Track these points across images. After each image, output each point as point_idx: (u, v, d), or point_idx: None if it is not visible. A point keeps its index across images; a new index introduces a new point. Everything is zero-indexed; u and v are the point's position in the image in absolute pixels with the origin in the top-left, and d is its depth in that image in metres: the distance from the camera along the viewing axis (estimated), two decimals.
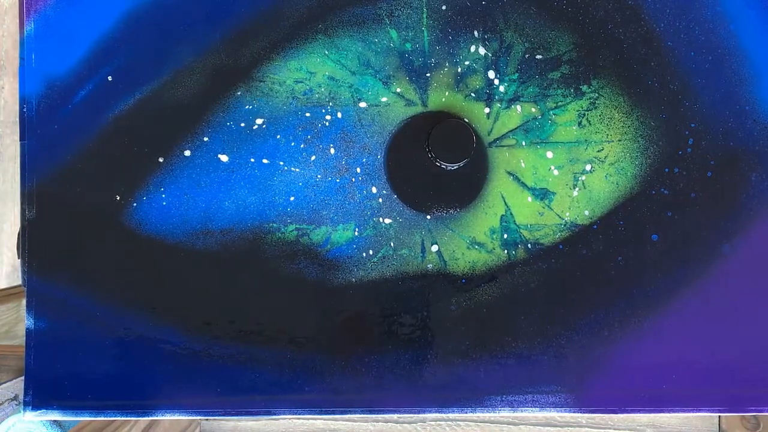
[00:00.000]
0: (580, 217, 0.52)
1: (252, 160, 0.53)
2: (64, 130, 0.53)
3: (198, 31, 0.52)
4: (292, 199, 0.53)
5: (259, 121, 0.53)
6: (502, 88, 0.52)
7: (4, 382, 0.70)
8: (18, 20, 0.52)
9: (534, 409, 0.52)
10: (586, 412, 0.52)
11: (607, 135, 0.52)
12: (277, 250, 0.53)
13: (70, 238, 0.53)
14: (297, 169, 0.53)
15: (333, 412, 0.52)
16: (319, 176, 0.53)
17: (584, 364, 0.52)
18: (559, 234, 0.52)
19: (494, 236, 0.53)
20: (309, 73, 0.53)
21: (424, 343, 0.53)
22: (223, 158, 0.53)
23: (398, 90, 0.53)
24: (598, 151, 0.52)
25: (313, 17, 0.52)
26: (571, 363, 0.52)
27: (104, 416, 0.53)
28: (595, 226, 0.52)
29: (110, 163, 0.53)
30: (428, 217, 0.53)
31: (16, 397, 0.70)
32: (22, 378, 0.54)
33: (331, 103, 0.53)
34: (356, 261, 0.53)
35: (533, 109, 0.52)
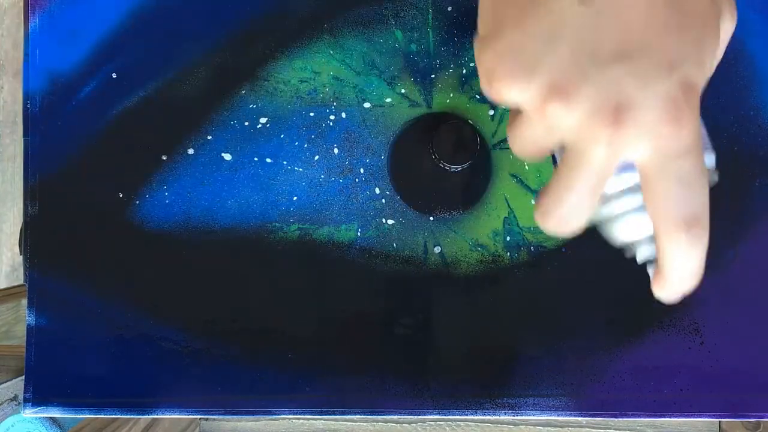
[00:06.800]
0: None
1: (255, 159, 0.53)
2: (67, 127, 0.53)
3: (203, 29, 0.52)
4: (295, 198, 0.53)
5: (263, 120, 0.52)
6: None
7: (4, 382, 0.70)
8: (18, 20, 0.53)
9: (535, 412, 0.52)
10: (587, 416, 0.52)
11: None
12: (279, 250, 0.53)
13: (72, 234, 0.53)
14: (300, 169, 0.53)
15: (333, 413, 0.52)
16: (322, 176, 0.53)
17: (586, 367, 0.52)
18: (562, 237, 0.52)
19: (497, 238, 0.53)
20: (314, 72, 0.53)
21: (425, 345, 0.53)
22: (227, 157, 0.52)
23: (403, 91, 0.53)
24: None
25: (318, 17, 0.53)
26: (572, 367, 0.52)
27: (104, 414, 0.53)
28: None
29: (113, 160, 0.53)
30: (431, 218, 0.53)
31: (15, 397, 0.70)
32: (22, 378, 0.54)
33: (335, 103, 0.53)
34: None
35: None
